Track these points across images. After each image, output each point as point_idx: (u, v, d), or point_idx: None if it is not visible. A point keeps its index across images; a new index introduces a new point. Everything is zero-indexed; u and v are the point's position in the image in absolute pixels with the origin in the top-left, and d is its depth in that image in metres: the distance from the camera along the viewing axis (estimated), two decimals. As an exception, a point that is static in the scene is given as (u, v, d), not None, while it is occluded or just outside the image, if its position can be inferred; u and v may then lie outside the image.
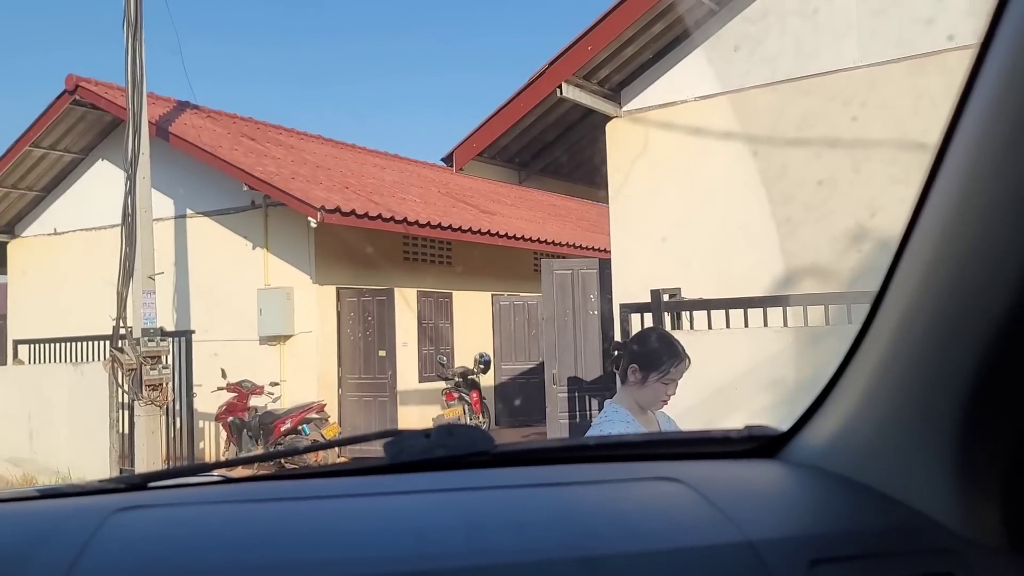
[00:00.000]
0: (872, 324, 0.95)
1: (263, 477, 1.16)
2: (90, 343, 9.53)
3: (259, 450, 8.78)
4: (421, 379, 11.25)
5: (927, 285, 0.81)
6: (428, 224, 10.43)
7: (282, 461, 7.86)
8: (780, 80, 5.89)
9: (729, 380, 4.88)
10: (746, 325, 5.17)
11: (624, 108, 6.65)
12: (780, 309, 5.12)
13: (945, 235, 0.78)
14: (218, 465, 1.31)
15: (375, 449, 1.10)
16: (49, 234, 12.16)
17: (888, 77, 5.46)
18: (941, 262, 0.79)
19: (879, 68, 5.51)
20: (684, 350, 2.51)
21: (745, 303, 5.19)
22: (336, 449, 8.27)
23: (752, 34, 5.99)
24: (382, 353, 10.43)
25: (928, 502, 0.88)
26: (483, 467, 1.09)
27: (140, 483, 1.06)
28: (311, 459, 7.45)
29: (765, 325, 5.13)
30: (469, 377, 10.49)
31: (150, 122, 8.82)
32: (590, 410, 7.77)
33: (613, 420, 2.48)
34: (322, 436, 8.99)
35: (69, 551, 0.77)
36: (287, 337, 10.04)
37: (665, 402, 2.53)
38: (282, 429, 8.85)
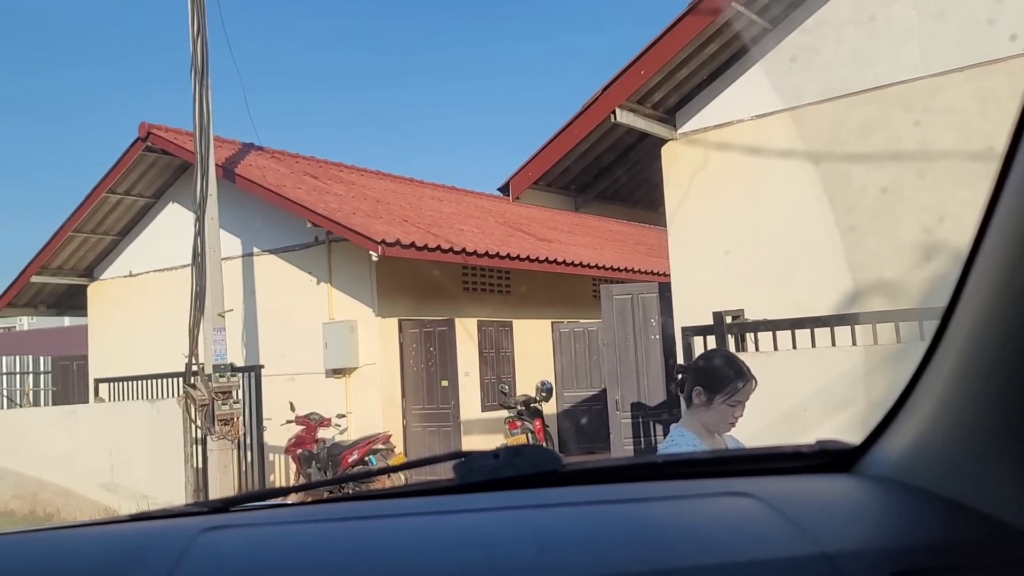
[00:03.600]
0: (945, 333, 0.94)
1: (337, 499, 1.19)
2: (165, 380, 9.85)
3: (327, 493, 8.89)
4: (484, 408, 11.28)
5: (1001, 291, 0.80)
6: (486, 254, 10.52)
7: (353, 485, 7.95)
8: (839, 95, 5.81)
9: (798, 402, 4.77)
10: (813, 345, 5.06)
11: (679, 130, 6.64)
12: (848, 328, 5.00)
13: (1017, 240, 0.77)
14: (293, 489, 1.35)
15: (442, 476, 1.12)
16: (125, 276, 12.64)
17: (950, 82, 5.34)
18: (1014, 268, 0.78)
19: (941, 75, 5.39)
20: (750, 371, 2.47)
21: (811, 322, 5.08)
22: (403, 476, 8.33)
23: (808, 48, 5.93)
24: (445, 383, 10.51)
25: (1011, 512, 0.86)
26: (551, 486, 1.10)
27: (222, 507, 1.11)
28: (380, 485, 7.53)
29: (833, 345, 5.01)
30: (532, 405, 10.46)
31: (217, 164, 9.14)
32: (654, 435, 7.68)
33: (679, 444, 2.44)
34: (387, 463, 9.07)
35: (162, 569, 0.81)
36: (352, 369, 10.20)
37: (732, 424, 2.48)
38: (349, 460, 8.96)
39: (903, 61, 5.54)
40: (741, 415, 2.46)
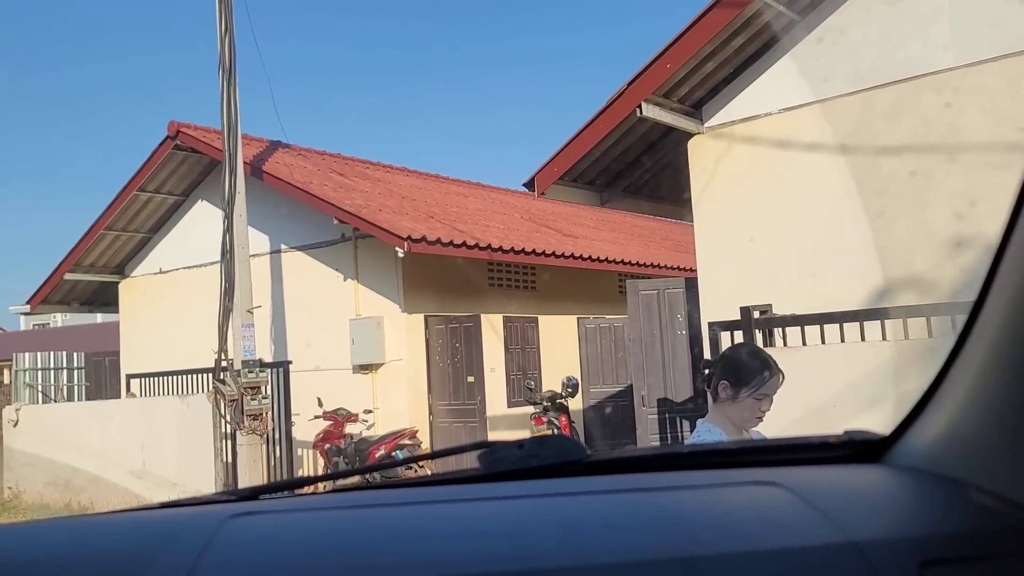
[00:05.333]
0: (976, 322, 0.92)
1: (364, 487, 1.20)
2: (195, 376, 9.97)
3: (355, 480, 8.96)
4: (510, 404, 11.29)
5: None
6: (512, 250, 10.52)
7: (380, 475, 8.02)
8: (868, 86, 5.73)
9: (826, 398, 4.72)
10: (842, 340, 5.00)
11: (706, 124, 6.59)
12: (878, 323, 4.93)
13: None
14: (321, 478, 1.36)
15: (468, 467, 1.13)
16: (155, 273, 12.82)
17: (982, 70, 5.24)
18: None
19: (973, 65, 5.30)
20: (776, 364, 2.45)
21: (840, 317, 5.02)
22: (429, 467, 8.37)
23: (837, 38, 5.86)
24: (471, 379, 10.54)
25: None
26: (576, 476, 1.10)
27: (251, 495, 1.12)
28: (405, 476, 7.57)
29: (862, 340, 4.95)
30: (557, 401, 10.45)
31: (245, 162, 9.23)
32: (681, 431, 7.64)
33: (705, 439, 2.43)
34: (414, 463, 9.12)
35: (190, 553, 0.82)
36: (378, 365, 10.26)
37: (760, 419, 2.45)
38: (376, 455, 9.02)
39: (934, 47, 5.45)
40: (768, 409, 2.43)
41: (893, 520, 0.90)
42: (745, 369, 2.43)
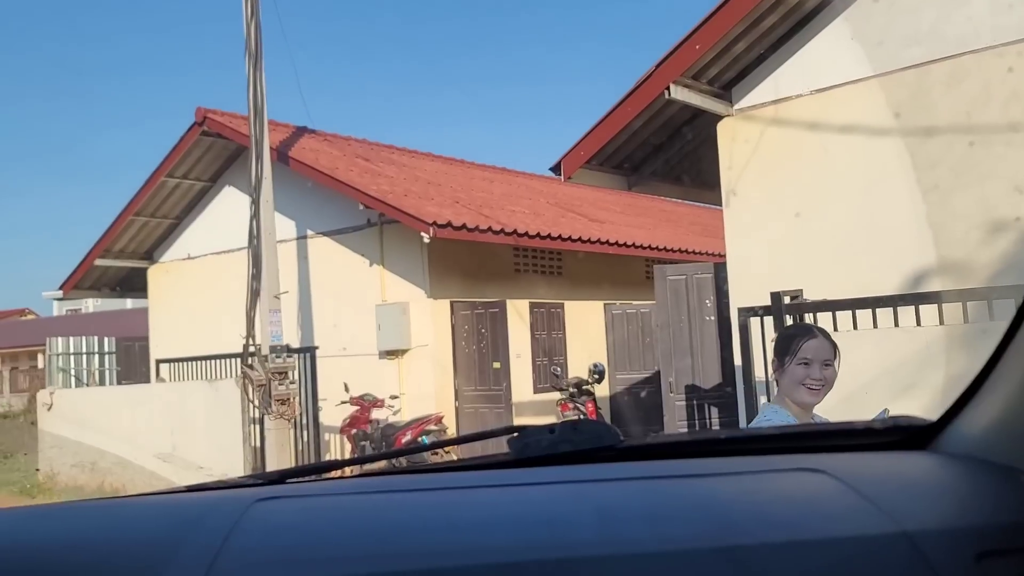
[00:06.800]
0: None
1: (391, 472, 1.18)
2: (223, 361, 10.06)
3: (382, 466, 9.01)
4: (536, 390, 11.28)
5: None
6: (538, 235, 10.47)
7: (406, 461, 8.04)
8: (903, 66, 5.60)
9: (859, 385, 4.63)
10: (875, 326, 4.90)
11: (736, 106, 6.48)
12: (912, 308, 4.83)
13: None
14: (347, 463, 1.34)
15: (496, 452, 1.10)
16: (183, 259, 12.93)
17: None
18: None
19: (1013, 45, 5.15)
20: (822, 330, 2.42)
21: (872, 303, 4.92)
22: (456, 454, 8.38)
23: (873, 15, 5.72)
24: (496, 365, 10.53)
25: None
26: (609, 462, 1.07)
27: (278, 478, 1.10)
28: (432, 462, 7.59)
29: (896, 325, 4.85)
30: (584, 387, 10.41)
31: (271, 148, 9.25)
32: (709, 418, 7.58)
33: (772, 420, 2.38)
34: (441, 448, 9.14)
35: (217, 536, 0.80)
36: (404, 351, 10.28)
37: (811, 388, 2.36)
38: (403, 441, 9.05)
39: (975, 29, 5.30)
40: (819, 376, 2.35)
41: (946, 509, 0.85)
42: (782, 341, 2.45)
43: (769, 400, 4.98)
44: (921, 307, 4.79)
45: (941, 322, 4.64)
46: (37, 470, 11.62)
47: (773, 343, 2.52)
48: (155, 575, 0.74)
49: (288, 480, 1.09)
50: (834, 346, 2.41)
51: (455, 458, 8.44)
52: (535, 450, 1.07)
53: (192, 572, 0.74)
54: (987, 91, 5.30)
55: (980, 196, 5.25)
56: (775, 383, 2.49)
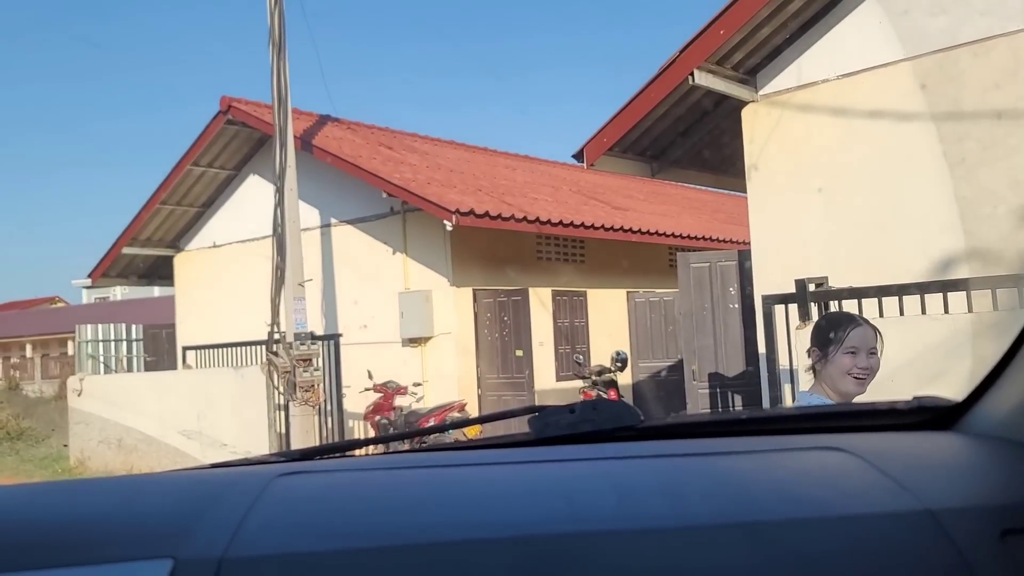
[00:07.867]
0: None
1: (415, 450, 1.19)
2: (249, 348, 10.16)
3: (405, 447, 9.08)
4: (558, 378, 11.28)
5: None
6: (560, 223, 10.45)
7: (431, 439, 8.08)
8: (930, 51, 5.50)
9: (885, 372, 4.58)
10: (901, 313, 4.84)
11: (760, 92, 6.41)
12: (940, 296, 4.76)
13: None
14: (372, 441, 1.35)
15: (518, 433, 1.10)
16: (209, 247, 13.06)
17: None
18: None
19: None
20: (867, 320, 2.38)
21: (898, 290, 4.85)
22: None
23: (899, 3, 5.63)
24: (519, 353, 10.54)
25: None
26: (630, 441, 1.07)
27: (300, 456, 1.12)
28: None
29: (923, 313, 4.79)
30: (606, 375, 10.40)
31: (295, 136, 9.29)
32: (732, 405, 7.54)
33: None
34: (464, 434, 9.17)
35: (238, 510, 0.82)
36: (427, 339, 10.32)
37: (857, 378, 2.32)
38: (426, 427, 9.10)
39: (1003, 14, 5.20)
40: (866, 365, 2.31)
41: (970, 488, 0.85)
42: (824, 329, 2.38)
43: (794, 388, 4.95)
44: (949, 294, 4.72)
45: (969, 309, 4.58)
46: (65, 446, 11.88)
47: (812, 331, 2.44)
48: (177, 544, 0.75)
49: (312, 458, 1.10)
50: (878, 333, 2.37)
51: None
52: (555, 429, 1.08)
53: (215, 542, 0.75)
54: (1017, 62, 5.19)
55: (1008, 169, 5.16)
56: (810, 372, 2.43)
